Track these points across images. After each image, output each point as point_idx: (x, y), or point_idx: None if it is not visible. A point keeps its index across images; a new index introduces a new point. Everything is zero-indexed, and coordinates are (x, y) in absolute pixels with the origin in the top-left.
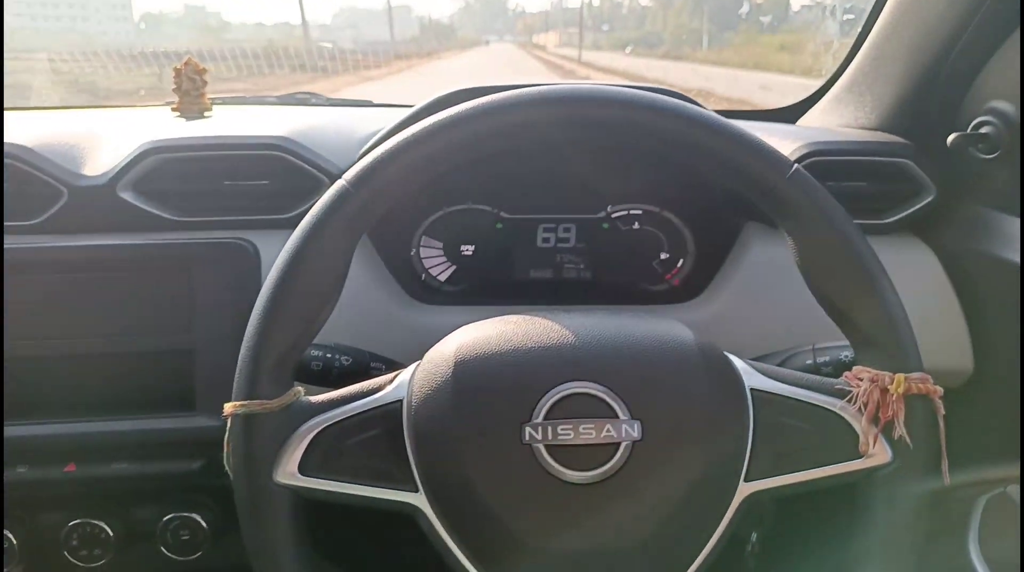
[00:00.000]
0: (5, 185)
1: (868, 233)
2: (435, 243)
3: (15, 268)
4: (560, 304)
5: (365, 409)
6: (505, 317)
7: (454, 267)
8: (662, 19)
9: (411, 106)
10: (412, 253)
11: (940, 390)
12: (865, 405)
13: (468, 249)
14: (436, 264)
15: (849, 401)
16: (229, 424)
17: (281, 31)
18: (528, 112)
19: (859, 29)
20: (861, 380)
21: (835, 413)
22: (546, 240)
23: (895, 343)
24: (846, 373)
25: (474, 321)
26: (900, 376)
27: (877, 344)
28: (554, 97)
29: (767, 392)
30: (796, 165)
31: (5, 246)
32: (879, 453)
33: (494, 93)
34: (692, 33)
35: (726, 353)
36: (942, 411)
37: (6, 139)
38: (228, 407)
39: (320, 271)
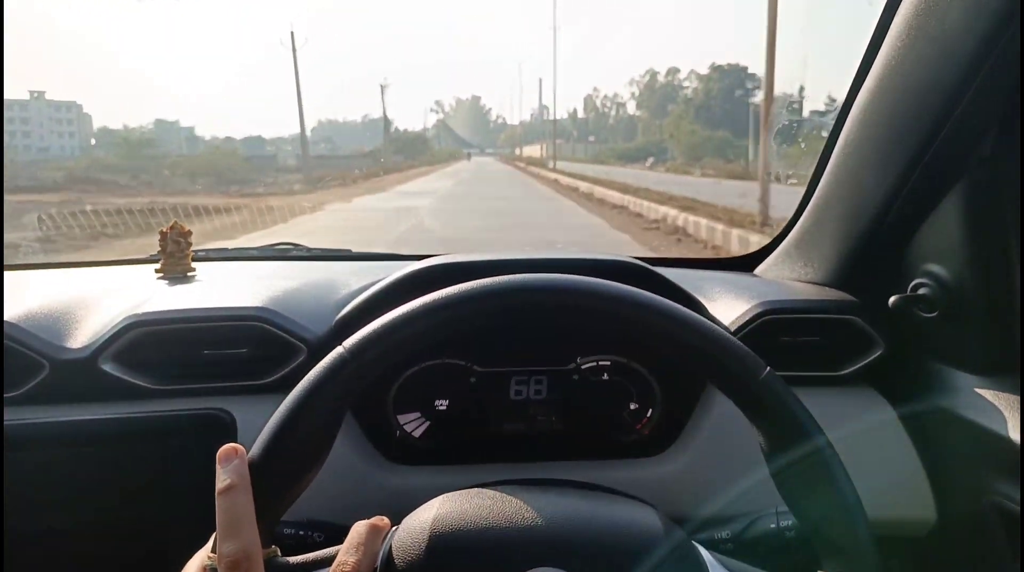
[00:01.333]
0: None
1: (825, 385)
2: (410, 399)
3: None
4: (533, 459)
5: None
6: (482, 490)
7: (428, 423)
8: (654, 130)
9: (388, 255)
10: (387, 410)
11: None
12: None
13: (442, 404)
14: (411, 420)
15: None
16: None
17: (250, 145)
18: (518, 297)
19: (803, 190)
20: None
21: None
22: (519, 393)
23: (859, 557)
24: None
25: (448, 484)
26: None
27: (841, 554)
28: (547, 286)
29: None
30: (768, 368)
31: None
32: None
33: (469, 266)
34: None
35: (696, 544)
36: None
37: None
38: (207, 559)
39: (312, 434)
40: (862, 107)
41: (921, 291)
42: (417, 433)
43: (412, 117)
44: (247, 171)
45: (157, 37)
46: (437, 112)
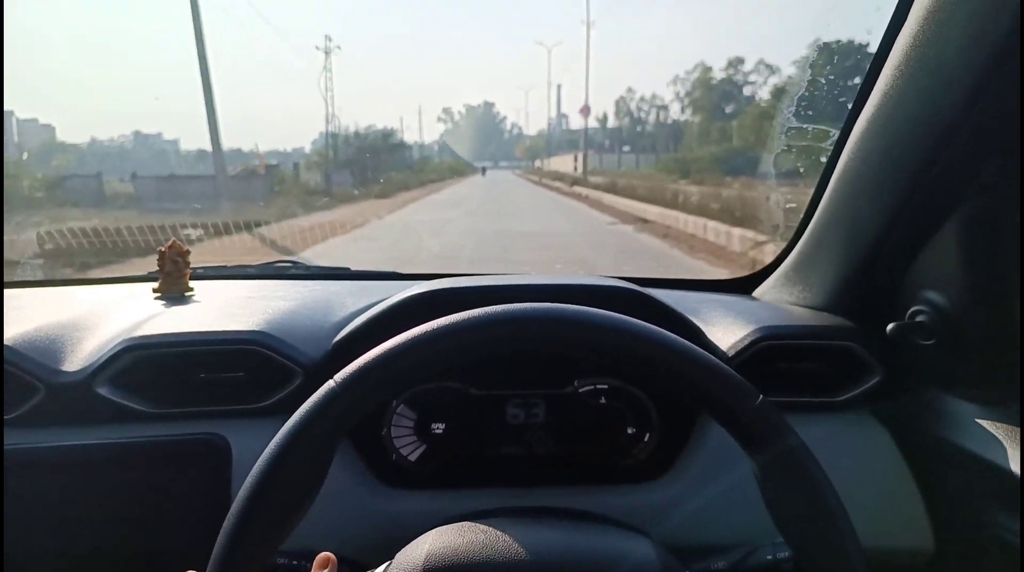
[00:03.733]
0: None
1: (823, 411)
2: (406, 422)
3: None
4: (530, 484)
5: None
6: (474, 524)
7: (424, 446)
8: (714, 135)
9: (387, 274)
10: (383, 432)
11: None
12: None
13: (439, 427)
14: (407, 444)
15: None
16: None
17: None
18: (507, 329)
19: (801, 216)
20: None
21: None
22: (515, 416)
23: None
24: None
25: (445, 509)
26: None
27: None
28: (542, 318)
29: None
30: (761, 396)
31: None
32: None
33: (465, 292)
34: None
35: None
36: None
37: None
38: None
39: (304, 467)
40: (860, 133)
41: (919, 318)
42: (413, 457)
43: (417, 126)
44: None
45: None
46: (445, 122)
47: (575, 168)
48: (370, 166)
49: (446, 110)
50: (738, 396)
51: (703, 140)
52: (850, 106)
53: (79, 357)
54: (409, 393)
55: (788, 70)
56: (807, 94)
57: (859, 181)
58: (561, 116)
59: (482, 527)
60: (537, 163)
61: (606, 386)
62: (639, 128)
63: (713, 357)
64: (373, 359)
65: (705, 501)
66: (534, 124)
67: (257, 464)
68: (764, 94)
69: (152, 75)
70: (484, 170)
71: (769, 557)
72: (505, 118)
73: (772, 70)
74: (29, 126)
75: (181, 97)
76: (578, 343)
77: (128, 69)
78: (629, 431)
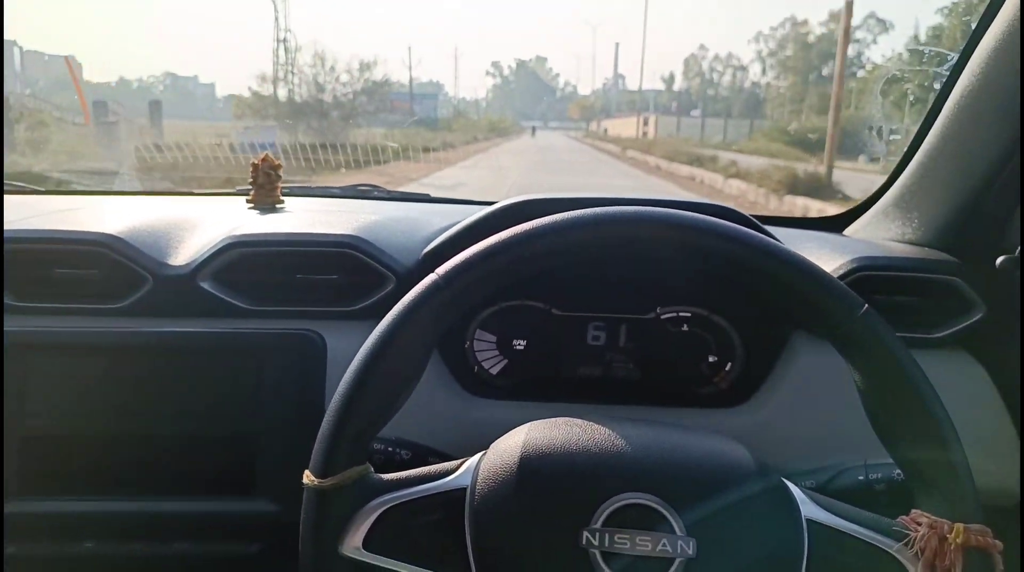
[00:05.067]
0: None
1: (918, 347)
2: (488, 337)
3: (95, 350)
4: (608, 403)
5: (431, 492)
6: (572, 419)
7: (506, 361)
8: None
9: (466, 201)
10: (466, 345)
11: (1000, 545)
12: (922, 551)
13: (520, 344)
14: (489, 357)
15: (906, 544)
16: (304, 493)
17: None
18: (621, 229)
19: (905, 147)
20: (919, 524)
21: (890, 554)
22: (596, 338)
23: (957, 492)
24: (903, 517)
25: (525, 418)
26: (960, 526)
27: (938, 490)
28: (646, 218)
29: (823, 524)
30: (867, 305)
31: (88, 329)
32: None
33: (559, 201)
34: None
35: (784, 480)
36: (1000, 567)
37: (97, 228)
38: (305, 476)
39: (406, 355)
40: (984, 55)
41: None
42: (494, 370)
43: (467, 82)
44: None
45: None
46: (494, 76)
47: (642, 133)
48: (338, 122)
49: (495, 64)
50: (843, 304)
51: (795, 106)
52: (974, 25)
53: (184, 252)
54: (492, 310)
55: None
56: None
57: (979, 105)
58: (618, 76)
59: (578, 420)
60: (592, 125)
61: (689, 314)
62: (711, 91)
63: (816, 265)
64: (475, 254)
65: (787, 428)
66: (588, 84)
67: (363, 348)
68: (874, 55)
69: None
70: (534, 130)
71: (860, 478)
72: (558, 75)
73: (885, 26)
74: (33, 58)
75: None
76: (684, 246)
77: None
78: (711, 359)
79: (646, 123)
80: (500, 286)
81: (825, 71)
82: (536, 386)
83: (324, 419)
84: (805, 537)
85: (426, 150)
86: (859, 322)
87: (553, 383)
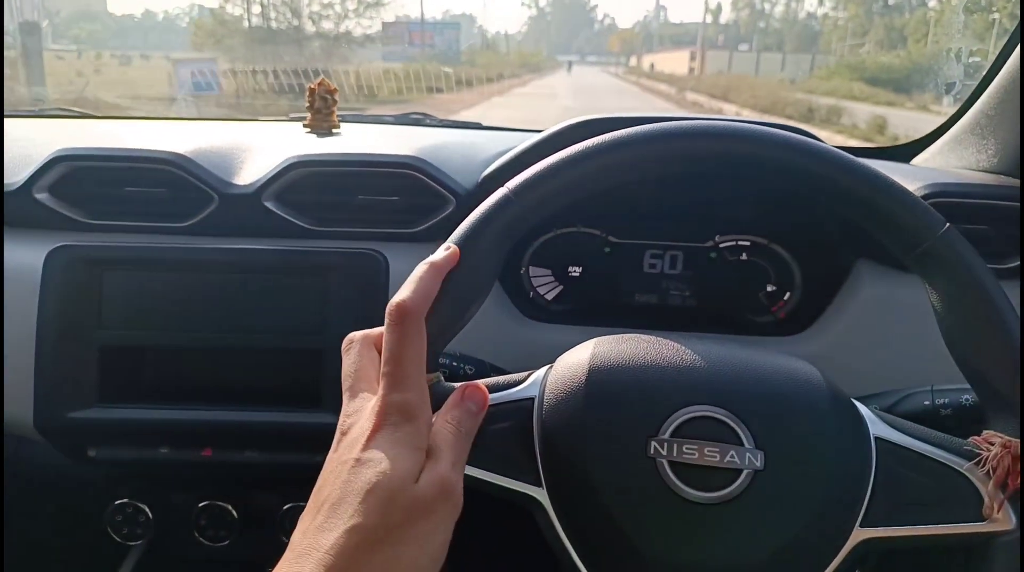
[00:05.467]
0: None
1: None
2: (544, 263)
3: (167, 265)
4: (665, 328)
5: (500, 401)
6: (639, 336)
7: (561, 287)
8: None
9: (516, 129)
10: (522, 271)
11: None
12: (994, 470)
13: (575, 270)
14: (544, 283)
15: (977, 464)
16: None
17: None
18: (689, 143)
19: (984, 72)
20: (992, 444)
21: (961, 473)
22: (652, 266)
23: None
24: (974, 437)
25: (582, 341)
26: None
27: (1013, 411)
28: (719, 132)
29: (892, 442)
30: (949, 224)
31: (161, 245)
32: (1003, 519)
33: (622, 119)
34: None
35: (853, 400)
36: None
37: (164, 147)
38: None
39: (477, 266)
40: None
41: None
42: (550, 296)
43: (503, 13)
44: None
45: None
46: (529, 7)
47: (691, 70)
48: (319, 53)
49: None
50: (923, 221)
51: (856, 40)
52: None
53: (248, 172)
54: (547, 236)
55: None
56: None
57: None
58: (660, 7)
59: (646, 337)
60: (632, 60)
61: (748, 243)
62: (762, 23)
63: (895, 181)
64: (545, 168)
65: (849, 358)
66: (628, 16)
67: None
68: None
69: None
70: (570, 65)
71: (927, 403)
72: (596, 6)
73: None
74: None
75: None
76: (760, 162)
77: None
78: (769, 289)
79: (694, 59)
80: (569, 202)
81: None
82: (592, 312)
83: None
84: (874, 454)
85: (430, 90)
86: (941, 241)
87: (609, 309)
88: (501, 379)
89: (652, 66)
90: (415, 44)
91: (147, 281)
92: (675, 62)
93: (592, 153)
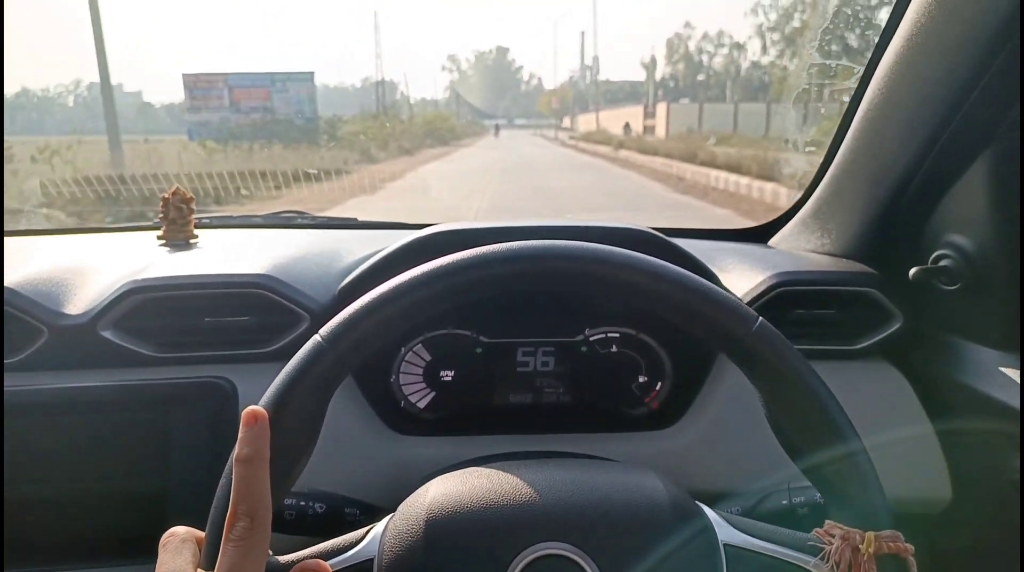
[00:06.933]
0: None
1: (840, 358)
2: (414, 369)
3: None
4: (540, 431)
5: (338, 568)
6: (478, 469)
7: (433, 393)
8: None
9: (395, 224)
10: (391, 380)
11: (911, 548)
12: (837, 564)
13: (448, 374)
14: (415, 391)
15: (822, 558)
16: None
17: None
18: (497, 268)
19: (820, 160)
20: (832, 537)
21: (807, 570)
22: (525, 364)
23: (865, 501)
24: (816, 529)
25: (453, 455)
26: (871, 534)
27: (847, 500)
28: (525, 254)
29: (740, 547)
30: (760, 318)
31: None
32: None
33: (472, 234)
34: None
35: (699, 504)
36: (914, 570)
37: None
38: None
39: (295, 427)
40: (887, 70)
41: (943, 263)
42: (422, 404)
43: (422, 79)
44: None
45: None
46: (451, 71)
47: (646, 128)
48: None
49: (452, 58)
50: (735, 319)
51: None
52: (876, 40)
53: (83, 300)
54: (417, 341)
55: None
56: (831, 27)
57: (885, 120)
58: (587, 66)
59: (485, 471)
60: (566, 121)
61: (617, 334)
62: (702, 75)
63: (710, 283)
64: (357, 311)
65: (719, 448)
66: (553, 77)
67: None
68: None
69: None
70: (497, 129)
71: (784, 502)
72: (522, 67)
73: None
74: None
75: None
76: (571, 278)
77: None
78: (641, 379)
79: (649, 115)
80: (393, 336)
81: (854, 40)
82: (466, 418)
83: (210, 513)
84: (723, 563)
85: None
86: (754, 336)
87: (483, 414)
88: (338, 541)
89: (574, 125)
90: (241, 109)
91: None
92: (617, 120)
93: (406, 288)
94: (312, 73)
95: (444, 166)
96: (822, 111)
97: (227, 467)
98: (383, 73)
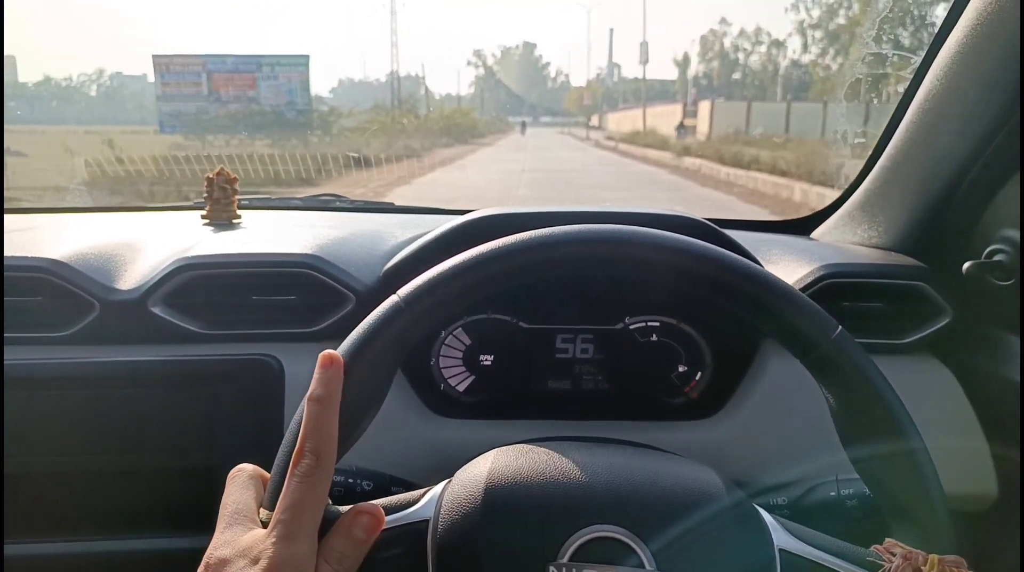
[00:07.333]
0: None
1: (887, 353)
2: (454, 353)
3: (40, 382)
4: (577, 418)
5: (393, 525)
6: (538, 447)
7: (473, 377)
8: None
9: (433, 210)
10: (431, 362)
11: None
12: None
13: (487, 359)
14: (455, 374)
15: None
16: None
17: None
18: (582, 248)
19: (869, 152)
20: (893, 555)
21: None
22: (564, 350)
23: (931, 522)
24: (877, 546)
25: (493, 438)
26: (934, 557)
27: (912, 519)
28: (612, 238)
29: (796, 554)
30: (840, 327)
31: (31, 360)
32: None
33: (521, 218)
34: None
35: (756, 506)
36: None
37: (40, 253)
38: (262, 514)
39: (366, 381)
40: (946, 60)
41: (997, 257)
42: (461, 388)
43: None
44: None
45: None
46: (476, 66)
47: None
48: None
49: (477, 53)
50: (815, 325)
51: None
52: (937, 29)
53: (133, 276)
54: (458, 325)
55: None
56: (890, 16)
57: (942, 111)
58: (615, 63)
59: (543, 448)
60: (593, 119)
61: (658, 323)
62: (736, 74)
63: (788, 284)
64: (437, 275)
65: (759, 440)
66: (585, 71)
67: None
68: None
69: None
70: (524, 126)
71: (832, 494)
72: (548, 63)
73: None
74: None
75: None
76: (645, 265)
77: None
78: (680, 369)
79: (691, 115)
80: (465, 306)
81: (906, 39)
82: (504, 403)
83: (277, 454)
84: (779, 567)
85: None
86: (832, 345)
87: (521, 399)
88: (395, 499)
89: (603, 123)
90: (222, 98)
91: (20, 399)
92: (659, 119)
93: (489, 258)
94: (307, 56)
95: (451, 175)
96: (875, 102)
97: (298, 410)
98: (398, 63)
